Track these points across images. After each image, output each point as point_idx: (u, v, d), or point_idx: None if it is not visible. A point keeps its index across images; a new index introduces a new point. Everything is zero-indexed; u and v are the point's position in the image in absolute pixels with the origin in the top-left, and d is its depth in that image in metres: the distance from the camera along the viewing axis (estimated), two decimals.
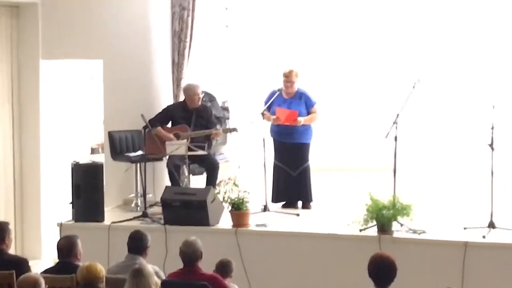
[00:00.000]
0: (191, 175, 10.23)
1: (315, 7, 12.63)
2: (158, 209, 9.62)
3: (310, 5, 12.63)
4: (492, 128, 8.51)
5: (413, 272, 7.99)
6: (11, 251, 7.36)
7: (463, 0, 11.89)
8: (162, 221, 9.18)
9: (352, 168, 12.10)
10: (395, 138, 8.82)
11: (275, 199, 10.19)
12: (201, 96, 10.40)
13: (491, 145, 8.53)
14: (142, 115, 9.56)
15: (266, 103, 10.20)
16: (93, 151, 12.63)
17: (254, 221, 9.12)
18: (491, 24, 11.81)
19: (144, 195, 9.74)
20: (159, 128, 10.12)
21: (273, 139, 10.25)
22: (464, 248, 8.09)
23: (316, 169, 10.59)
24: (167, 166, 10.00)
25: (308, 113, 10.19)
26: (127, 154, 10.33)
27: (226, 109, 12.72)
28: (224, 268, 7.17)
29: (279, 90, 10.16)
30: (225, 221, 9.11)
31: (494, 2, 11.74)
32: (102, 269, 6.15)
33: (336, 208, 9.91)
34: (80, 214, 9.37)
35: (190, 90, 10.32)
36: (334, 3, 12.54)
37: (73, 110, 11.70)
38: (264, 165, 9.73)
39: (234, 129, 10.30)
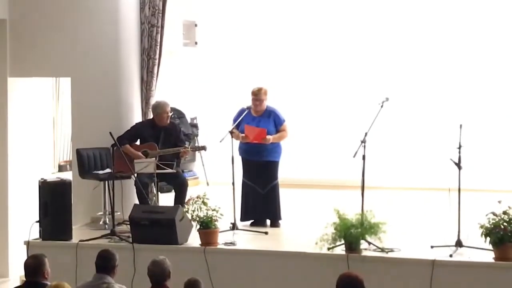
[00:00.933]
0: (159, 192, 10.21)
1: (284, 24, 12.70)
2: (126, 227, 9.58)
3: (280, 22, 12.71)
4: (459, 147, 8.54)
5: None
6: None
7: (429, 21, 12.02)
8: (130, 240, 9.14)
9: (321, 185, 12.14)
10: (363, 157, 8.86)
11: (243, 217, 10.15)
12: (170, 114, 10.39)
13: (458, 164, 8.56)
14: (110, 133, 9.51)
15: (235, 121, 10.14)
16: (61, 168, 12.58)
17: (223, 239, 9.10)
18: (459, 44, 11.95)
19: (112, 213, 9.68)
20: (128, 145, 10.11)
21: (242, 157, 10.22)
22: (432, 267, 8.13)
23: (285, 186, 10.59)
24: (135, 184, 9.97)
25: (277, 131, 10.16)
26: (95, 171, 10.27)
27: (195, 125, 12.73)
28: (192, 287, 7.14)
29: (248, 108, 10.12)
30: (194, 240, 9.09)
31: (460, 25, 11.89)
32: None
33: (305, 226, 9.90)
34: (48, 233, 9.30)
35: (159, 108, 10.30)
36: (303, 21, 12.62)
37: (41, 127, 11.64)
38: (233, 183, 9.70)
39: (203, 148, 10.30)
